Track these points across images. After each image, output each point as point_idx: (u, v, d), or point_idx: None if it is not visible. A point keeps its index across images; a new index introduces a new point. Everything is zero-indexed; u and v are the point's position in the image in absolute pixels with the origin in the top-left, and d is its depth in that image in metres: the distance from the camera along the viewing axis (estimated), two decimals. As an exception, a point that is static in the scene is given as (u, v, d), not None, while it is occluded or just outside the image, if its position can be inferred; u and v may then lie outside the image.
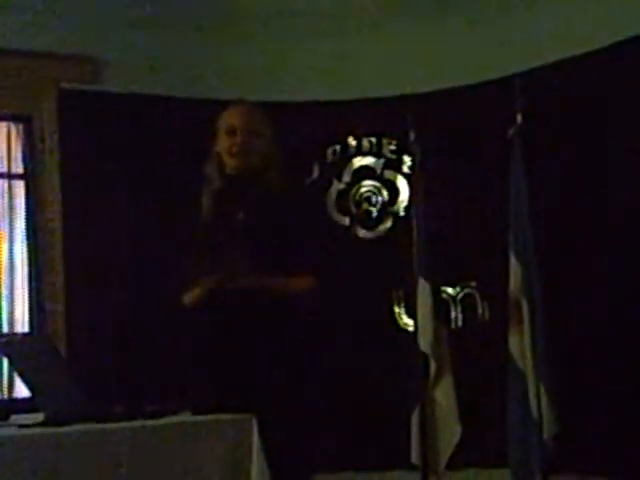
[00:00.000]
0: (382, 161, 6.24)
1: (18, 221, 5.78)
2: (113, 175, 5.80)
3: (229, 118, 3.84)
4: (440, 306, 5.52)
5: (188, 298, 3.78)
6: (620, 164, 5.39)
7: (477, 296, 5.91)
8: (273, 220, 3.72)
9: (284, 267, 3.66)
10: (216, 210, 3.79)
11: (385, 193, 6.22)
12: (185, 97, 5.94)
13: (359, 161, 6.26)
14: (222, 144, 3.82)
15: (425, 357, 5.29)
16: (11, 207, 5.77)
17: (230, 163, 3.79)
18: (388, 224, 6.20)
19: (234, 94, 5.35)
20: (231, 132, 3.80)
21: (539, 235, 5.09)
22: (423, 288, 5.35)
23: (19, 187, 5.82)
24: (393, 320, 6.05)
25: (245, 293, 3.58)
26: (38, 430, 2.96)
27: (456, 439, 5.23)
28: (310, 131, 6.01)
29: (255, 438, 3.16)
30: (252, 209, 3.73)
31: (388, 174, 6.24)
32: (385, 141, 6.21)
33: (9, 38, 5.62)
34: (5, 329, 5.65)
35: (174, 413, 3.29)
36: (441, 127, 5.83)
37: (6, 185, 5.78)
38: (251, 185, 3.77)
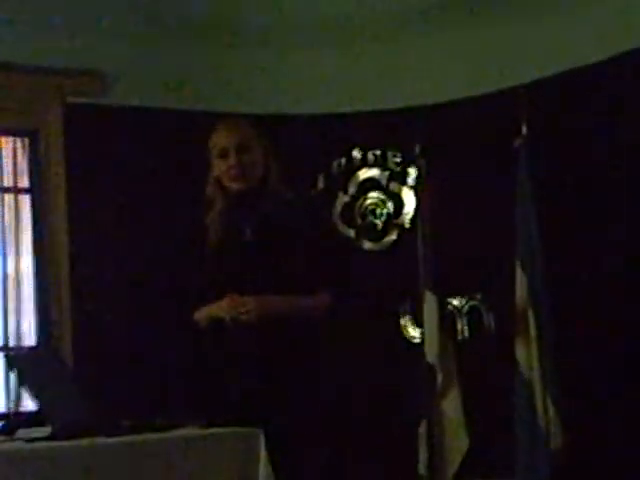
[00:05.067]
0: (387, 173, 6.23)
1: (24, 235, 5.79)
2: (120, 189, 5.80)
3: (218, 140, 3.81)
4: (446, 318, 5.52)
5: (198, 316, 3.78)
6: (626, 174, 5.39)
7: (483, 307, 5.90)
8: (280, 235, 3.72)
9: (295, 284, 3.67)
10: (222, 230, 3.79)
11: (390, 205, 6.22)
12: (192, 110, 5.94)
13: (364, 173, 6.26)
14: (219, 168, 3.80)
15: (432, 369, 5.28)
16: (17, 221, 5.78)
17: (232, 186, 3.78)
18: (393, 236, 6.20)
19: (242, 107, 5.39)
20: (224, 155, 3.78)
21: (545, 246, 5.09)
22: (429, 300, 5.35)
23: (25, 201, 5.83)
24: (399, 332, 6.05)
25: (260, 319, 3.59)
26: (45, 444, 2.96)
27: (463, 450, 5.22)
28: (315, 143, 6.02)
29: (262, 451, 3.16)
30: (258, 226, 3.73)
31: (393, 186, 6.24)
32: (390, 153, 6.21)
33: (15, 52, 5.63)
34: (12, 343, 5.65)
35: (181, 426, 3.29)
36: (446, 139, 5.82)
37: (12, 199, 5.79)
38: (253, 201, 3.76)
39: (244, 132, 3.82)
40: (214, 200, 3.85)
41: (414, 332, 5.93)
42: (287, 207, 3.80)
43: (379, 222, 6.21)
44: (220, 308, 3.68)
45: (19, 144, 5.84)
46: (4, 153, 5.81)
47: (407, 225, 6.15)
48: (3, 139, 5.81)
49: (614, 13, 5.43)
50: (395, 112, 6.02)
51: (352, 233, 6.23)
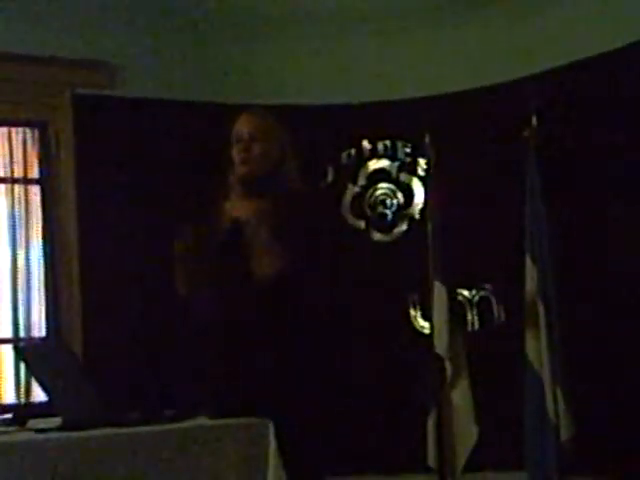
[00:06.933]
0: (397, 164, 6.23)
1: (34, 226, 5.80)
2: (128, 180, 5.81)
3: (236, 127, 3.88)
4: (456, 309, 5.52)
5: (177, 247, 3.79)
6: (637, 165, 5.37)
7: (493, 299, 5.90)
8: (288, 224, 3.73)
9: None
10: (235, 218, 3.81)
11: (400, 196, 6.21)
12: (200, 102, 5.94)
13: (374, 164, 6.25)
14: (234, 154, 3.86)
15: (441, 360, 5.29)
16: (27, 212, 5.78)
17: (239, 171, 3.82)
18: (403, 227, 6.20)
19: (250, 98, 5.39)
20: (237, 141, 3.84)
21: (555, 237, 5.09)
22: (439, 291, 5.36)
23: (35, 192, 5.84)
24: (409, 323, 6.05)
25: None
26: (55, 435, 2.97)
27: (473, 442, 5.23)
28: (325, 134, 6.01)
29: (272, 442, 3.17)
30: (267, 213, 3.73)
31: (403, 177, 6.23)
32: (400, 144, 6.20)
33: (24, 44, 5.64)
34: (22, 334, 5.66)
35: (191, 417, 3.29)
36: (456, 129, 5.82)
37: (22, 190, 5.80)
38: (266, 189, 3.78)
39: (261, 121, 3.86)
40: (231, 190, 3.87)
41: (424, 323, 5.93)
42: (296, 199, 3.81)
43: (389, 213, 6.21)
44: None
45: (29, 135, 5.85)
46: (14, 144, 5.81)
47: (417, 216, 6.14)
48: (13, 130, 5.82)
49: (626, 2, 5.41)
50: (405, 103, 6.02)
51: (362, 224, 6.23)
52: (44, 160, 5.85)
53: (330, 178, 6.21)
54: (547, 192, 5.13)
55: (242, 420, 3.23)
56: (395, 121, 6.11)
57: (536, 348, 5.04)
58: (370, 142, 6.24)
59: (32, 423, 3.28)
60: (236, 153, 3.83)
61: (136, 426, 3.08)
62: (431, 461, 5.31)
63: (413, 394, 5.60)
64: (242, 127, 3.85)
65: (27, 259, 5.73)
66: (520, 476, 5.10)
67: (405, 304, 6.05)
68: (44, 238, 5.79)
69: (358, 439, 5.79)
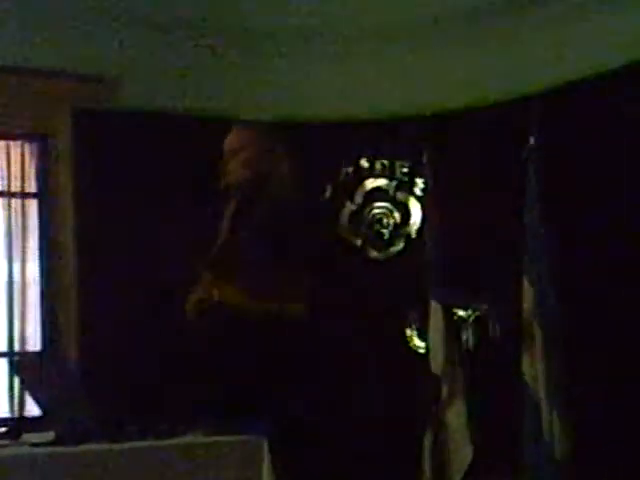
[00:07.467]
0: (394, 183, 6.24)
1: (31, 240, 5.79)
2: (127, 194, 5.81)
3: (227, 141, 3.90)
4: (452, 328, 5.51)
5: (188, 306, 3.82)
6: (637, 186, 5.37)
7: (489, 318, 5.89)
8: (277, 234, 3.74)
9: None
10: (230, 230, 3.82)
11: (397, 215, 6.22)
12: (199, 116, 5.94)
13: (371, 183, 6.26)
14: (224, 167, 3.88)
15: (437, 379, 5.28)
16: (24, 226, 5.78)
17: (228, 181, 3.85)
18: (400, 246, 6.20)
19: (250, 114, 5.40)
20: (228, 154, 3.86)
21: (553, 257, 5.08)
22: (435, 310, 5.35)
23: (32, 206, 5.84)
24: (405, 342, 6.04)
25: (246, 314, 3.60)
26: (49, 449, 2.97)
27: (468, 461, 5.22)
28: (323, 152, 6.01)
29: (266, 459, 3.17)
30: (259, 225, 3.75)
31: (400, 196, 6.24)
32: (398, 163, 6.21)
33: (24, 57, 5.65)
34: (17, 347, 5.65)
35: (187, 433, 3.29)
36: (454, 149, 5.82)
37: (20, 204, 5.79)
38: (257, 201, 3.80)
39: (243, 134, 3.89)
40: (227, 203, 3.89)
41: (420, 342, 5.92)
42: (289, 210, 3.82)
43: (386, 231, 6.21)
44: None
45: (27, 149, 5.85)
46: (12, 158, 5.81)
47: (414, 235, 6.15)
48: (11, 144, 5.82)
49: (625, 23, 5.43)
50: (403, 122, 6.02)
51: (359, 242, 6.23)
52: (42, 174, 5.84)
53: (328, 195, 6.21)
54: (546, 211, 5.13)
55: (237, 437, 3.23)
56: (393, 140, 6.12)
57: (532, 367, 5.03)
58: (368, 160, 6.25)
59: (26, 437, 3.28)
60: (225, 165, 3.86)
61: (132, 440, 3.08)
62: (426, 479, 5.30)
63: (408, 414, 5.59)
64: (227, 142, 3.88)
65: (23, 273, 5.72)
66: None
67: (401, 323, 6.05)
68: (41, 252, 5.79)
69: (353, 458, 5.77)
